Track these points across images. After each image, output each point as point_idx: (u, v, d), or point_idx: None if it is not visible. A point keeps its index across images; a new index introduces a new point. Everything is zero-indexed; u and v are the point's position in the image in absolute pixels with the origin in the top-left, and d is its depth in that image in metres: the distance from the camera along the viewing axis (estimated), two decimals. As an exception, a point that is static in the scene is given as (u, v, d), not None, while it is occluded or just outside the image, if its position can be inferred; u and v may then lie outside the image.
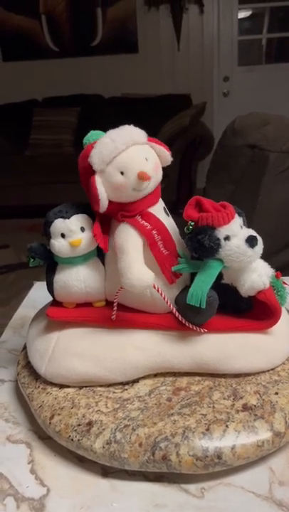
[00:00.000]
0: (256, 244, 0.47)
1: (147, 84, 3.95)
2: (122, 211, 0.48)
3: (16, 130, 3.89)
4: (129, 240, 0.47)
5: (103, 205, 0.47)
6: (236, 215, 0.47)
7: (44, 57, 4.00)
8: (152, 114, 3.63)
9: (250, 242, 0.46)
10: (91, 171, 0.47)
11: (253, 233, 0.47)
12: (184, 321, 0.49)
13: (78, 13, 3.87)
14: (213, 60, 3.91)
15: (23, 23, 3.92)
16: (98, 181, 0.46)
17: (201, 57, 3.90)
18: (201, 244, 0.45)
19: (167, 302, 0.49)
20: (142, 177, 0.45)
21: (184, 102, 3.73)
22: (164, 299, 0.49)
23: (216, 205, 0.47)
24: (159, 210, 0.50)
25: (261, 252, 0.48)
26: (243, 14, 3.84)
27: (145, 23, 3.85)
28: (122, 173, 0.46)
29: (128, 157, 0.46)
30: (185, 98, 3.78)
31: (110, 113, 3.68)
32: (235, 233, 0.46)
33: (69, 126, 3.78)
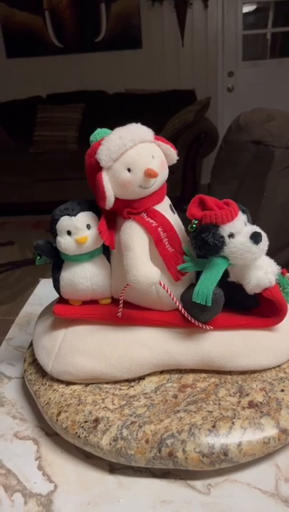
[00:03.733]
0: (260, 240, 0.46)
1: (151, 79, 3.94)
2: (127, 208, 0.48)
3: (20, 127, 3.89)
4: (134, 237, 0.47)
5: (109, 201, 0.47)
6: (240, 212, 0.47)
7: (48, 54, 3.99)
8: (156, 110, 3.62)
9: (255, 238, 0.46)
10: (98, 168, 0.47)
11: (258, 229, 0.47)
12: (189, 318, 0.49)
13: (82, 9, 3.86)
14: (218, 55, 3.89)
15: (27, 19, 3.91)
16: (105, 178, 0.46)
17: (206, 53, 3.88)
18: (206, 243, 0.45)
19: (173, 299, 0.49)
20: (149, 174, 0.45)
21: (189, 97, 3.72)
22: (170, 295, 0.49)
23: (219, 202, 0.47)
24: (164, 207, 0.50)
25: (266, 248, 0.48)
26: (247, 9, 3.82)
27: (149, 18, 3.83)
28: (129, 170, 0.46)
29: (135, 154, 0.46)
30: (189, 93, 3.76)
31: (114, 109, 3.68)
32: (239, 230, 0.46)
33: (73, 122, 3.77)
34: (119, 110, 3.60)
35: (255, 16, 3.92)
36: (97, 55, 3.97)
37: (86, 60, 3.98)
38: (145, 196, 0.48)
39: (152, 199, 0.49)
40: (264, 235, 0.48)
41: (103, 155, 0.46)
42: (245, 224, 0.47)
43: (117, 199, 0.47)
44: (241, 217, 0.47)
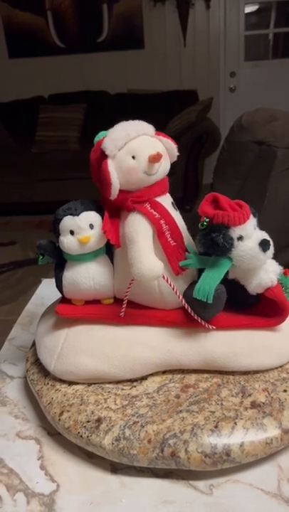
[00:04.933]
0: (268, 248, 0.46)
1: (153, 80, 3.94)
2: (131, 198, 0.49)
3: (22, 127, 3.90)
4: (139, 230, 0.47)
5: (114, 189, 0.48)
6: (251, 216, 0.47)
7: (50, 54, 3.99)
8: (159, 110, 3.62)
9: (264, 246, 0.46)
10: (103, 158, 0.48)
11: (267, 237, 0.47)
12: (192, 314, 0.49)
13: (84, 9, 3.86)
14: (220, 56, 3.89)
15: (29, 19, 3.92)
16: (110, 165, 0.48)
17: (208, 53, 3.88)
18: (215, 243, 0.45)
19: (176, 293, 0.49)
20: (153, 158, 0.47)
21: (191, 97, 3.72)
22: (174, 289, 0.49)
23: (232, 203, 0.47)
24: (167, 202, 0.51)
25: (271, 255, 0.48)
26: (249, 9, 3.81)
27: (151, 18, 3.83)
28: (133, 157, 0.48)
29: (139, 142, 0.48)
30: (191, 94, 3.76)
31: (116, 109, 3.68)
32: (249, 234, 0.46)
33: (75, 122, 3.78)
34: (121, 110, 3.60)
35: (257, 16, 3.91)
36: (99, 55, 3.97)
37: (88, 60, 3.98)
38: (148, 185, 0.49)
39: (155, 189, 0.50)
40: (272, 243, 0.47)
41: (108, 144, 0.48)
42: (255, 228, 0.47)
43: (121, 191, 0.48)
44: (252, 221, 0.47)
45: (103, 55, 3.96)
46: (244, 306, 0.52)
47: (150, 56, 3.94)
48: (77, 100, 3.85)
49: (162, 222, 0.48)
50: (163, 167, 0.50)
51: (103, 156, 0.48)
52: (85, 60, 3.98)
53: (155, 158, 0.47)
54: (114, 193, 0.48)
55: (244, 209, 0.46)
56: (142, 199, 0.49)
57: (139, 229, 0.47)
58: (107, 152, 0.48)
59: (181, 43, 3.88)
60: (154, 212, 0.48)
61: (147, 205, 0.48)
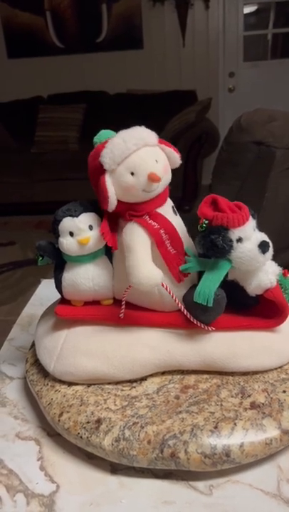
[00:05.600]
0: (268, 250, 0.46)
1: (153, 80, 3.94)
2: (130, 211, 0.48)
3: (21, 127, 3.90)
4: (136, 239, 0.47)
5: (112, 204, 0.47)
6: (250, 217, 0.47)
7: (49, 54, 4.00)
8: (158, 110, 3.62)
9: (263, 248, 0.46)
10: (101, 171, 0.47)
11: (266, 238, 0.47)
12: (192, 319, 0.49)
13: (83, 10, 3.87)
14: (219, 56, 3.89)
15: (28, 19, 3.92)
16: (108, 181, 0.46)
17: (207, 53, 3.88)
18: (214, 244, 0.45)
19: (176, 300, 0.49)
20: (153, 179, 0.45)
21: (190, 98, 3.72)
22: (173, 297, 0.49)
23: (231, 205, 0.47)
24: (167, 209, 0.50)
25: (271, 257, 0.48)
26: (248, 9, 3.82)
27: (150, 18, 3.83)
28: (132, 173, 0.46)
29: (139, 158, 0.46)
30: (190, 94, 3.77)
31: (116, 109, 3.68)
32: (248, 236, 0.46)
33: (74, 123, 3.78)
34: (120, 110, 3.61)
35: (256, 16, 3.92)
36: (99, 55, 3.97)
37: (87, 60, 3.99)
38: (148, 199, 0.48)
39: (155, 202, 0.49)
40: (271, 245, 0.47)
41: (107, 158, 0.46)
42: (254, 230, 0.47)
43: (119, 201, 0.47)
44: (251, 223, 0.47)
45: (102, 55, 3.97)
46: (243, 307, 0.52)
47: (149, 56, 3.95)
48: (76, 100, 3.85)
49: (162, 231, 0.48)
50: (164, 181, 0.48)
51: (101, 169, 0.47)
52: (85, 60, 3.99)
53: (154, 179, 0.46)
54: (111, 207, 0.47)
55: (243, 211, 0.46)
56: (140, 213, 0.48)
57: (137, 238, 0.47)
58: (105, 167, 0.46)
59: (180, 43, 3.89)
60: (153, 223, 0.48)
61: (146, 217, 0.48)
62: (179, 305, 0.49)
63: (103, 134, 0.49)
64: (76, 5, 3.86)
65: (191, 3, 3.73)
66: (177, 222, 0.51)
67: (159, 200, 0.49)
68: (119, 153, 0.46)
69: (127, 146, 0.46)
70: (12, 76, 4.04)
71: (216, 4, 3.74)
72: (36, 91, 3.95)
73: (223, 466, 0.43)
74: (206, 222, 0.46)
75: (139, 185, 0.46)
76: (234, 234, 0.46)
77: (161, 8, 3.79)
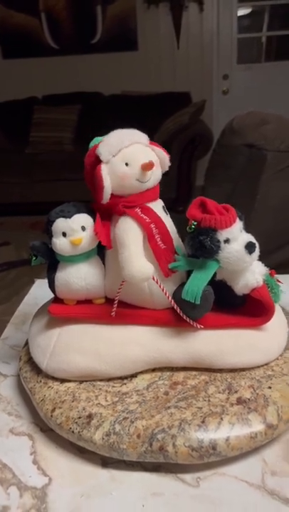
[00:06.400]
0: (254, 250, 0.48)
1: (147, 81, 3.95)
2: (123, 202, 0.50)
3: (16, 128, 3.90)
4: (129, 233, 0.49)
5: (106, 193, 0.49)
6: (237, 219, 0.49)
7: (44, 55, 4.00)
8: (152, 112, 3.64)
9: (249, 248, 0.48)
10: (97, 163, 0.49)
11: (252, 239, 0.49)
12: (181, 314, 0.50)
13: (78, 11, 3.88)
14: (213, 58, 3.91)
15: (23, 20, 3.92)
16: (104, 170, 0.49)
17: (201, 55, 3.91)
18: (202, 245, 0.46)
19: (166, 294, 0.50)
20: (146, 166, 0.48)
21: (184, 99, 3.74)
22: (163, 290, 0.50)
23: (219, 207, 0.49)
24: (158, 207, 0.52)
25: (257, 257, 0.50)
26: (242, 12, 3.84)
27: (145, 20, 3.85)
28: (126, 164, 0.49)
29: (133, 150, 0.49)
30: (185, 96, 3.79)
31: (110, 111, 3.69)
32: (235, 237, 0.48)
33: (69, 124, 3.79)
34: (115, 112, 3.62)
35: (251, 19, 3.94)
36: (94, 56, 3.98)
37: (82, 61, 4.00)
38: (140, 192, 0.50)
39: (146, 195, 0.51)
40: (257, 245, 0.49)
41: (103, 149, 0.49)
42: (241, 231, 0.49)
43: (112, 195, 0.49)
44: (238, 224, 0.49)
45: (97, 57, 3.98)
46: (231, 306, 0.54)
47: (144, 58, 3.96)
48: (71, 101, 3.86)
49: (152, 226, 0.50)
50: (155, 175, 0.51)
51: (97, 161, 0.49)
52: (79, 62, 3.99)
53: (148, 166, 0.48)
54: (106, 197, 0.49)
55: (231, 213, 0.48)
56: (133, 204, 0.50)
57: (129, 232, 0.49)
58: (101, 157, 0.49)
59: (175, 45, 3.90)
60: (145, 217, 0.50)
61: (138, 210, 0.50)
62: (169, 299, 0.51)
63: (97, 140, 0.51)
64: (71, 6, 3.87)
65: (186, 5, 3.75)
66: (168, 220, 0.53)
67: (150, 194, 0.51)
68: (115, 146, 0.49)
69: (121, 140, 0.49)
70: (7, 76, 4.04)
71: (210, 7, 3.76)
72: (31, 92, 3.96)
73: (209, 458, 0.45)
74: (195, 223, 0.48)
75: (133, 174, 0.49)
76: (222, 235, 0.47)
77: (156, 11, 3.81)
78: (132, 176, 0.49)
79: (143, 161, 0.49)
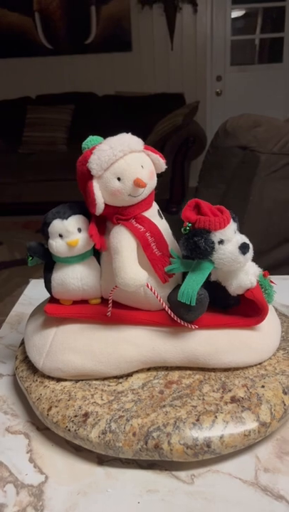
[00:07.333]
0: (248, 251, 0.49)
1: (141, 82, 3.97)
2: (117, 214, 0.50)
3: (9, 127, 3.90)
4: (123, 242, 0.49)
5: (99, 208, 0.49)
6: (231, 220, 0.49)
7: (38, 55, 4.00)
8: (146, 113, 3.65)
9: (243, 249, 0.48)
10: (89, 176, 0.49)
11: (246, 240, 0.50)
12: (176, 318, 0.51)
13: (72, 11, 3.88)
14: (206, 60, 3.93)
15: (17, 20, 3.92)
16: (96, 186, 0.48)
17: (194, 57, 3.93)
18: (197, 246, 0.47)
19: (160, 300, 0.51)
20: (138, 184, 0.47)
21: (177, 100, 3.76)
22: (157, 297, 0.51)
23: (213, 209, 0.49)
24: (153, 213, 0.52)
25: (251, 258, 0.50)
26: (236, 14, 3.87)
27: (139, 21, 3.86)
28: (118, 179, 0.48)
29: (125, 164, 0.48)
30: (178, 97, 3.80)
31: (104, 111, 3.70)
32: (229, 238, 0.48)
33: (63, 123, 3.78)
34: (108, 112, 3.63)
35: (244, 21, 3.97)
36: (87, 57, 3.99)
37: (76, 61, 4.00)
38: (134, 204, 0.50)
39: (141, 206, 0.51)
40: (251, 246, 0.50)
41: (94, 164, 0.48)
42: (235, 232, 0.50)
43: (107, 205, 0.49)
44: (232, 226, 0.49)
45: (91, 57, 3.98)
46: (225, 306, 0.55)
47: (138, 59, 3.97)
48: (64, 101, 3.86)
49: (148, 234, 0.50)
50: (149, 186, 0.50)
51: (89, 174, 0.48)
52: (73, 62, 4.00)
53: (140, 184, 0.47)
54: (98, 211, 0.49)
55: (224, 214, 0.49)
56: (127, 217, 0.50)
57: (123, 240, 0.49)
58: (92, 173, 0.48)
59: (169, 46, 3.92)
60: (139, 226, 0.50)
61: (132, 220, 0.50)
62: (163, 305, 0.51)
63: (91, 139, 0.50)
64: (65, 6, 3.87)
65: (180, 7, 3.77)
66: (163, 225, 0.53)
67: (145, 204, 0.51)
68: (106, 160, 0.47)
69: (113, 152, 0.47)
70: (0, 76, 4.03)
71: (204, 8, 3.78)
72: (24, 91, 3.95)
73: (204, 456, 0.45)
74: (190, 225, 0.49)
75: (125, 190, 0.48)
76: (216, 236, 0.48)
77: (150, 12, 3.83)
78: (125, 192, 0.48)
79: (136, 176, 0.48)
